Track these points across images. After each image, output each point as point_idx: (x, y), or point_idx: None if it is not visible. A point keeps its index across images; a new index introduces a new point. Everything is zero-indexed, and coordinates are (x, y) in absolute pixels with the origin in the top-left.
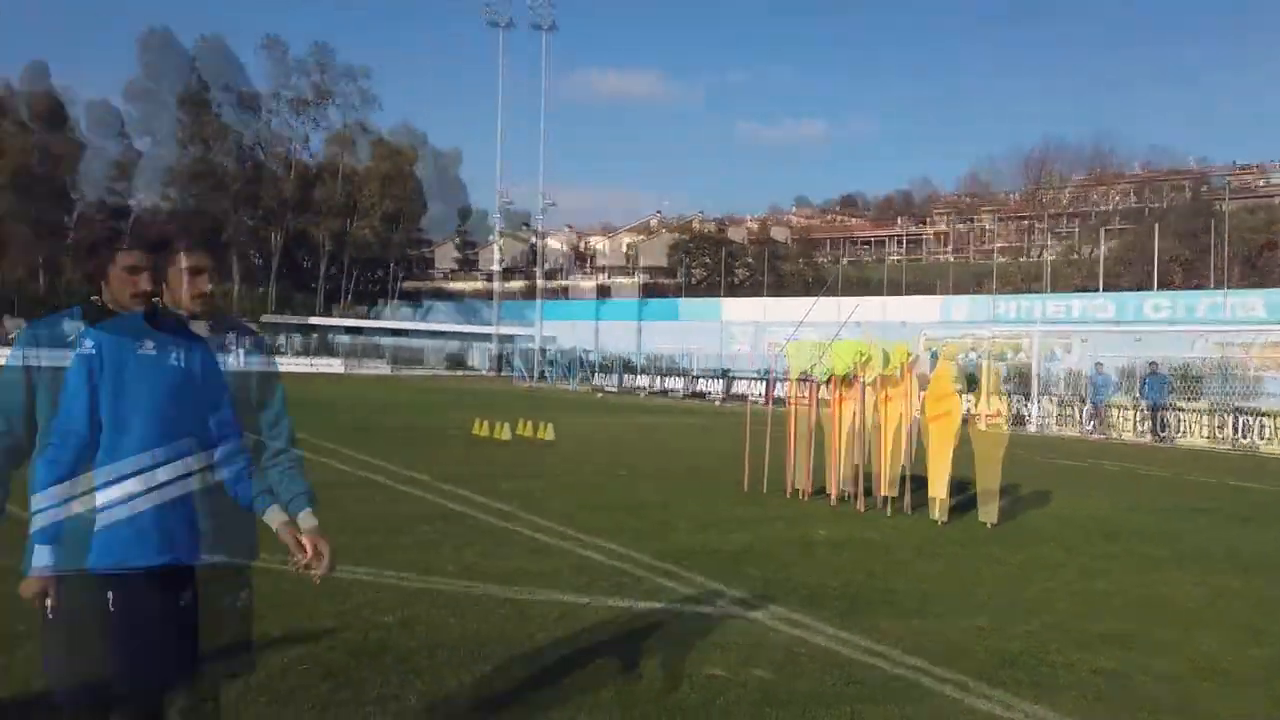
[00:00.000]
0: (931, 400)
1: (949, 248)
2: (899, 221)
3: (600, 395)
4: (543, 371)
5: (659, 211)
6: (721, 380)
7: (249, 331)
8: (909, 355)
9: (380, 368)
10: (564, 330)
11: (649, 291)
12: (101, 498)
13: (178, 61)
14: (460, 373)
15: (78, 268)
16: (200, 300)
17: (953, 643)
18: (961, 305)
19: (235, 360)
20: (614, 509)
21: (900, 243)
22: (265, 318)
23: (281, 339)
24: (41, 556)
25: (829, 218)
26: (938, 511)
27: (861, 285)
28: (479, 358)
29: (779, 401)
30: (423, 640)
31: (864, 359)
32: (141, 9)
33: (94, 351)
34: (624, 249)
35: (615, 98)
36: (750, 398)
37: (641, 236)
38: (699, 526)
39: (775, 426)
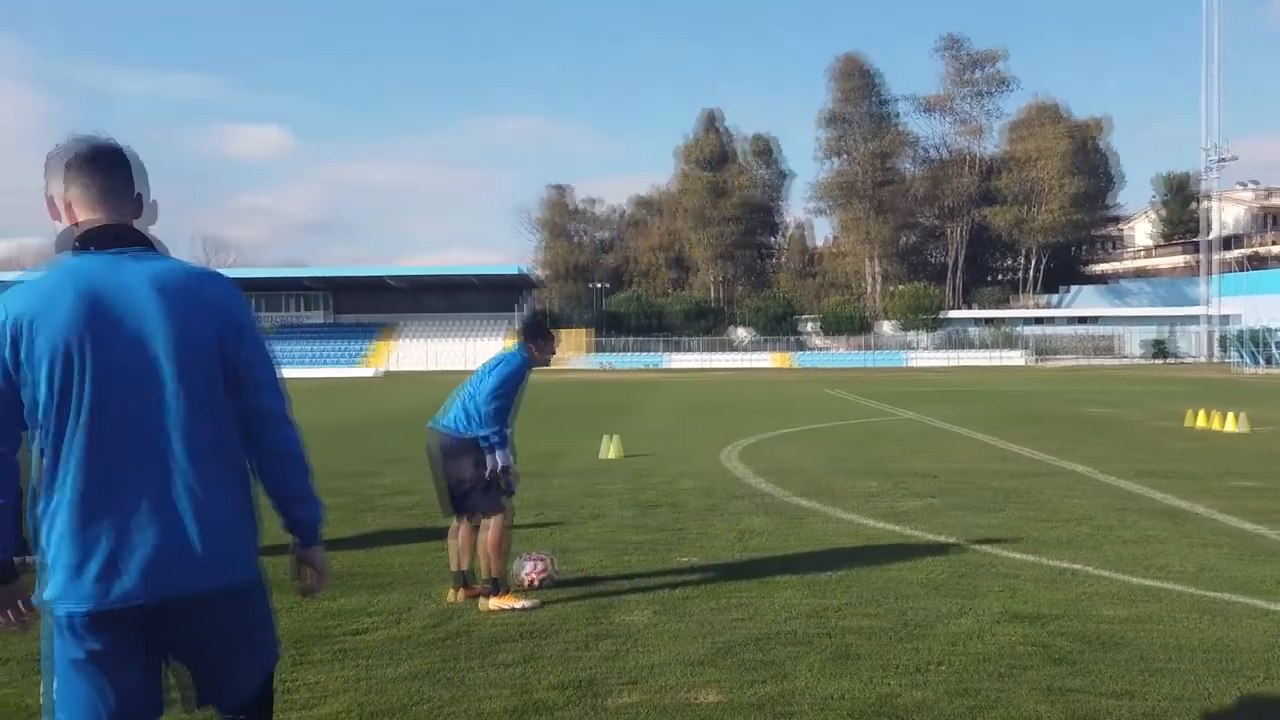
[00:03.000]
0: None
1: None
2: None
3: None
4: (1269, 355)
5: None
6: None
7: None
8: None
9: (1066, 359)
10: None
11: None
12: None
13: (863, 82)
14: (1163, 361)
15: None
16: None
17: None
18: None
19: None
20: None
21: None
22: (951, 313)
23: (969, 332)
24: None
25: None
26: None
27: None
28: (1191, 343)
29: None
30: (1161, 641)
31: None
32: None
33: None
34: None
35: None
36: None
37: None
38: None
39: None
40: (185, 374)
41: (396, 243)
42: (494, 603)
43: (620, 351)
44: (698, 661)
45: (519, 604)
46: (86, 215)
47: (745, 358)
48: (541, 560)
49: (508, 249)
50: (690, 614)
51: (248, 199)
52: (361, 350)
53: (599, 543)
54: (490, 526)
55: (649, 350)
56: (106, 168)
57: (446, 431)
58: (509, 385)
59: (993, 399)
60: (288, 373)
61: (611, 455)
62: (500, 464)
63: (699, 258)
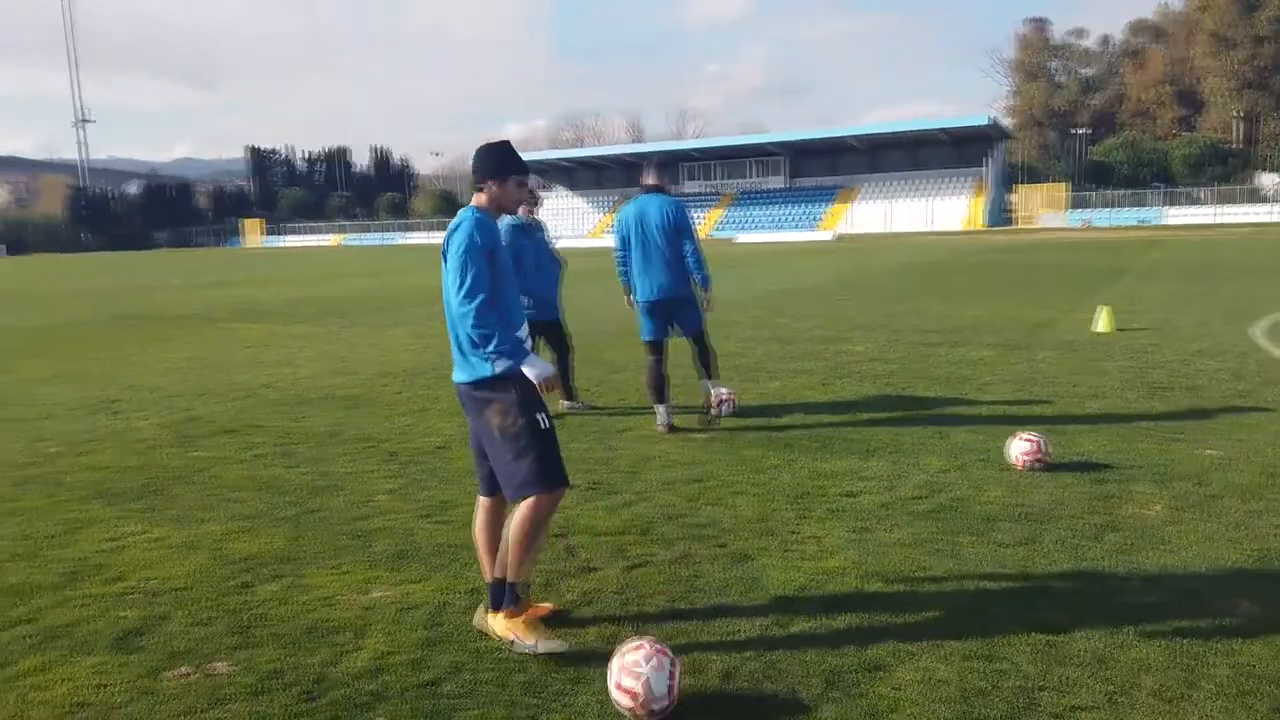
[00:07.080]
0: None
1: None
2: None
3: None
4: None
5: None
6: None
7: None
8: None
9: None
10: None
11: None
12: None
13: None
14: None
15: None
16: None
17: None
18: None
19: None
20: None
21: None
22: None
23: None
24: None
25: None
26: None
27: None
28: None
29: None
30: None
31: None
32: None
33: None
34: None
35: None
36: None
37: None
38: None
39: None
40: (664, 232)
41: (853, 100)
42: (501, 622)
43: (1105, 208)
44: (1230, 569)
45: (530, 641)
46: (645, 180)
47: (1274, 210)
48: (1035, 441)
49: (969, 100)
50: (1221, 514)
51: (708, 67)
52: (818, 214)
53: (1099, 425)
54: (527, 506)
55: (1142, 205)
56: (655, 167)
57: (459, 382)
58: (474, 268)
59: None
60: (747, 237)
61: (1105, 328)
62: (526, 371)
63: (1216, 90)
